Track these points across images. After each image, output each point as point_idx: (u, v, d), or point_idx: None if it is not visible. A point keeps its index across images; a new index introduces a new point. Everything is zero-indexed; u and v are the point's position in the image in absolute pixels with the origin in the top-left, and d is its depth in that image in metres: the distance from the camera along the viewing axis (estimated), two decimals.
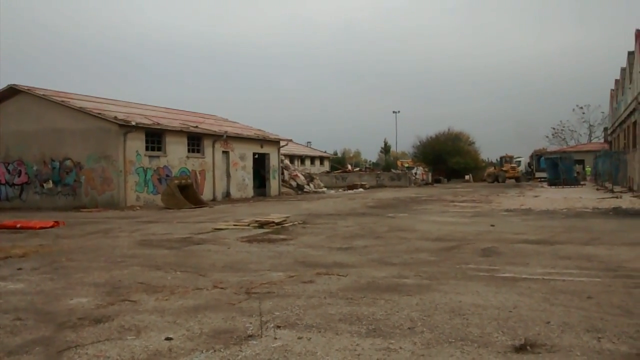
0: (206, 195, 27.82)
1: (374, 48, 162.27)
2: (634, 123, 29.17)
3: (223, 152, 30.04)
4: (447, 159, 69.69)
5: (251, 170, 32.75)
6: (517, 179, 58.29)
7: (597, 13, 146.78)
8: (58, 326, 5.10)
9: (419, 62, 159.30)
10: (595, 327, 4.69)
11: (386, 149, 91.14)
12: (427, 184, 55.72)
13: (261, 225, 13.71)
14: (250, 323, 5.02)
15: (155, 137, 25.68)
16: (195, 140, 28.19)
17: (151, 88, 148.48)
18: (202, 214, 19.36)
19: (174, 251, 10.01)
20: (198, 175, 27.87)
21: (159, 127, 25.60)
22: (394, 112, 79.03)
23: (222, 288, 6.60)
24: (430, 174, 61.64)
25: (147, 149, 25.06)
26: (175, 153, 26.56)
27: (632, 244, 9.87)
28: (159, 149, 25.89)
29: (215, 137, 29.24)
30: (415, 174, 56.68)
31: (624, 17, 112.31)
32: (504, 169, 60.46)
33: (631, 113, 30.15)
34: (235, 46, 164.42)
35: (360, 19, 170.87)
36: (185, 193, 23.51)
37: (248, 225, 13.88)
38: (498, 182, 56.73)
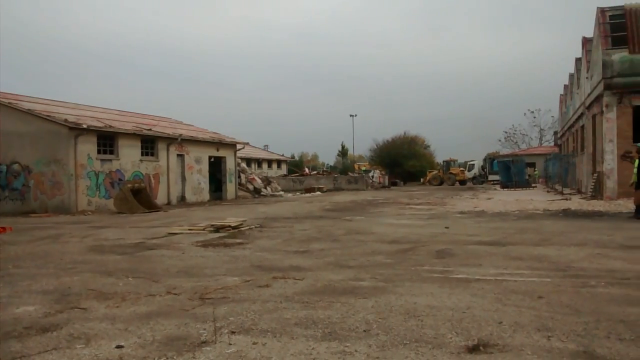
0: (160, 199, 27.35)
1: (332, 51, 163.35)
2: (582, 127, 30.17)
3: (178, 155, 29.60)
4: (403, 162, 70.70)
5: (207, 174, 32.37)
6: (463, 182, 59.65)
7: (551, 21, 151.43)
8: (2, 336, 4.89)
9: (377, 65, 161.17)
10: (545, 326, 4.79)
11: (343, 152, 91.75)
12: (383, 187, 56.26)
13: (217, 229, 13.54)
14: (204, 329, 4.93)
15: (107, 140, 25.11)
16: (149, 143, 27.69)
17: (102, 90, 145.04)
18: (156, 218, 19.00)
19: (126, 257, 9.77)
20: (152, 179, 27.38)
21: (111, 130, 25.04)
22: (351, 115, 79.41)
23: (175, 294, 6.47)
24: (386, 177, 62.27)
25: (99, 152, 24.49)
26: (128, 156, 26.02)
27: (580, 244, 10.17)
28: (112, 152, 25.33)
29: (170, 140, 28.80)
30: (372, 177, 57.15)
31: (575, 24, 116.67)
32: (453, 172, 61.78)
33: (579, 117, 31.18)
34: (190, 47, 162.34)
35: (319, 22, 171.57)
36: (139, 197, 23.06)
37: (203, 229, 13.70)
38: (445, 184, 57.99)
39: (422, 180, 66.23)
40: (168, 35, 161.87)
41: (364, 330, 4.77)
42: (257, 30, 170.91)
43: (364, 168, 64.20)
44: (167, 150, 28.67)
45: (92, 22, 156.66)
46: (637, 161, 15.66)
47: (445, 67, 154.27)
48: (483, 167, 64.37)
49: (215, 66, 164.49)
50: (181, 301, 6.09)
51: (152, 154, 27.89)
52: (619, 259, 8.44)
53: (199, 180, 31.54)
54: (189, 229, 13.93)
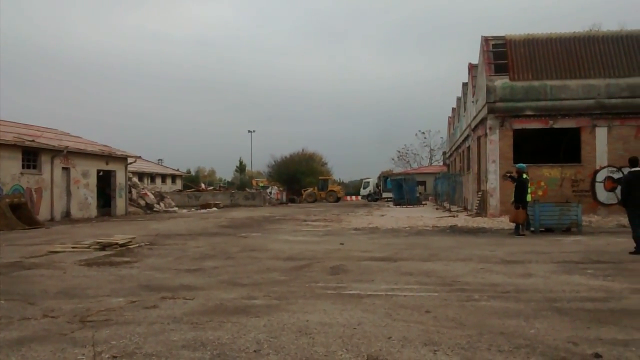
0: (43, 215, 25.61)
1: (227, 64, 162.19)
2: (468, 148, 31.93)
3: (63, 168, 27.92)
4: (301, 179, 71.30)
5: (95, 188, 30.78)
6: (337, 200, 61.84)
7: (442, 47, 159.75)
8: None
9: (275, 80, 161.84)
10: (432, 340, 4.91)
11: (241, 168, 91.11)
12: (281, 203, 56.32)
13: (103, 247, 12.85)
14: (83, 355, 4.62)
15: None
16: (31, 156, 25.90)
17: None
18: (37, 235, 17.76)
19: None
20: (34, 193, 25.60)
21: None
22: (249, 131, 79.17)
23: (53, 317, 6.02)
24: (284, 194, 62.46)
25: None
26: (8, 169, 24.18)
27: (465, 259, 10.65)
28: None
29: (55, 152, 27.12)
30: (270, 193, 57.06)
31: (463, 51, 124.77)
32: (334, 189, 63.75)
33: (465, 139, 32.99)
34: (78, 55, 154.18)
35: (216, 36, 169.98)
36: (18, 213, 21.56)
37: (88, 247, 12.94)
38: (317, 202, 59.69)
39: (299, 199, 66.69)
40: (55, 42, 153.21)
41: (255, 351, 4.66)
42: (149, 41, 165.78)
43: (262, 184, 64.05)
44: (52, 163, 26.97)
45: None
46: (516, 181, 16.72)
47: (344, 87, 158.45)
48: (378, 185, 66.33)
49: (106, 76, 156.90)
50: (59, 325, 5.68)
51: (35, 167, 26.12)
52: (500, 273, 8.91)
53: (86, 195, 29.93)
54: (73, 247, 13.11)
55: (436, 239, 15.28)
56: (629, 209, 11.53)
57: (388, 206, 44.57)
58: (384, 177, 64.24)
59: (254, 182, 67.95)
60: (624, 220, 14.19)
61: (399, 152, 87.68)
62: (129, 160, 34.81)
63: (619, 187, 16.48)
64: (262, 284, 8.06)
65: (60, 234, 18.41)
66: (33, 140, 26.23)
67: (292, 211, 36.39)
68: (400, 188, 45.89)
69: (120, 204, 33.05)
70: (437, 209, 36.90)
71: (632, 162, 11.76)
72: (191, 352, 4.63)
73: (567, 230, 16.39)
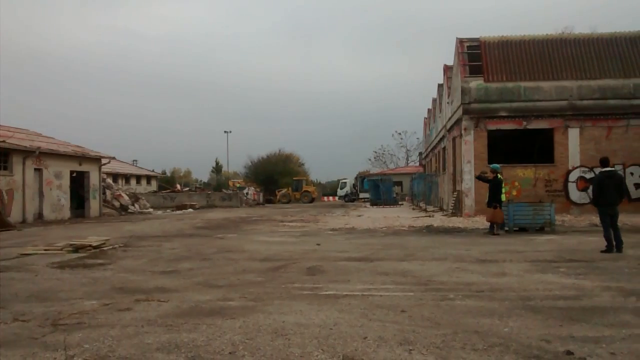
0: (14, 217, 25.11)
1: (205, 65, 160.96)
2: (444, 149, 32.20)
3: (35, 169, 27.41)
4: (278, 180, 71.22)
5: (68, 190, 30.28)
6: (312, 200, 62.11)
7: (421, 48, 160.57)
8: None
9: (250, 80, 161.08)
10: (407, 339, 4.94)
11: (217, 169, 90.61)
12: (258, 204, 56.10)
13: (76, 249, 12.65)
14: (55, 358, 4.55)
15: None
16: (1, 157, 25.36)
17: None
18: (8, 237, 17.41)
19: None
20: (5, 195, 25.07)
21: None
22: (225, 131, 78.81)
23: (24, 321, 5.91)
24: (261, 194, 62.28)
25: None
26: None
27: (441, 259, 10.73)
28: None
29: (27, 153, 26.61)
30: (247, 194, 56.83)
31: (437, 53, 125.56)
32: (309, 190, 64.02)
33: (441, 140, 33.26)
34: (52, 55, 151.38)
35: (191, 35, 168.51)
36: None
37: (61, 249, 12.73)
38: (291, 203, 59.91)
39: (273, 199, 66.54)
40: (24, 38, 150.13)
41: (230, 353, 4.63)
42: (122, 38, 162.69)
43: (238, 185, 63.71)
44: (23, 164, 26.47)
45: None
46: (491, 181, 16.90)
47: (322, 87, 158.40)
48: (354, 186, 66.53)
49: (78, 74, 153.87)
50: (30, 329, 5.59)
51: (6, 168, 25.59)
52: (475, 272, 8.99)
53: (59, 196, 29.44)
54: (45, 249, 12.88)
55: (412, 238, 15.36)
56: (600, 209, 11.75)
57: (365, 206, 44.71)
58: (361, 178, 64.49)
59: (230, 183, 67.49)
60: (596, 219, 14.44)
61: (375, 152, 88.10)
62: (103, 161, 34.34)
63: (590, 187, 16.75)
64: (238, 285, 8.02)
65: (33, 236, 18.09)
66: (4, 141, 25.70)
67: (269, 212, 36.30)
68: (377, 188, 46.12)
69: (94, 205, 32.59)
70: (413, 209, 37.14)
71: (603, 162, 12.00)
72: (165, 355, 4.59)
73: (540, 230, 16.61)
